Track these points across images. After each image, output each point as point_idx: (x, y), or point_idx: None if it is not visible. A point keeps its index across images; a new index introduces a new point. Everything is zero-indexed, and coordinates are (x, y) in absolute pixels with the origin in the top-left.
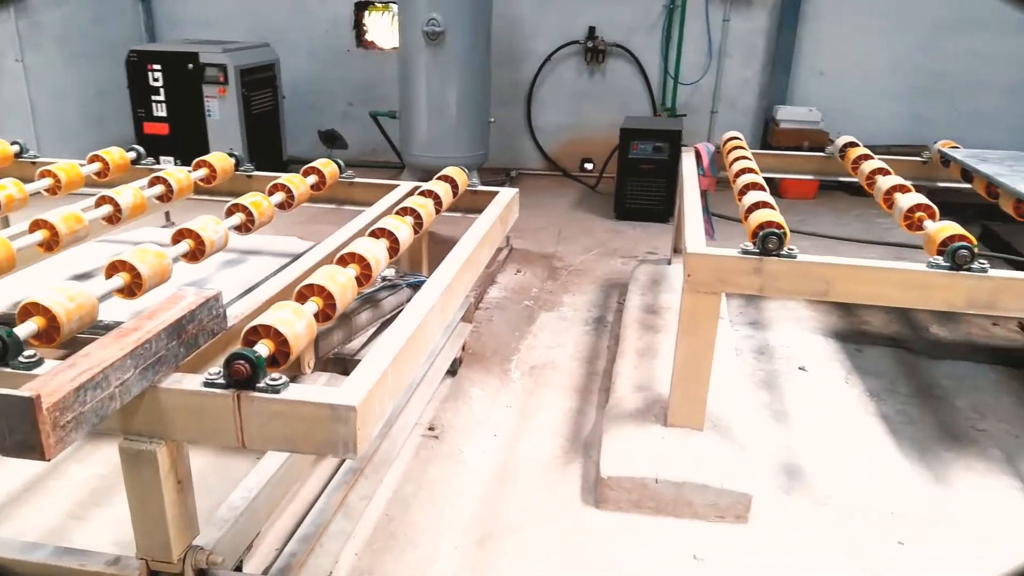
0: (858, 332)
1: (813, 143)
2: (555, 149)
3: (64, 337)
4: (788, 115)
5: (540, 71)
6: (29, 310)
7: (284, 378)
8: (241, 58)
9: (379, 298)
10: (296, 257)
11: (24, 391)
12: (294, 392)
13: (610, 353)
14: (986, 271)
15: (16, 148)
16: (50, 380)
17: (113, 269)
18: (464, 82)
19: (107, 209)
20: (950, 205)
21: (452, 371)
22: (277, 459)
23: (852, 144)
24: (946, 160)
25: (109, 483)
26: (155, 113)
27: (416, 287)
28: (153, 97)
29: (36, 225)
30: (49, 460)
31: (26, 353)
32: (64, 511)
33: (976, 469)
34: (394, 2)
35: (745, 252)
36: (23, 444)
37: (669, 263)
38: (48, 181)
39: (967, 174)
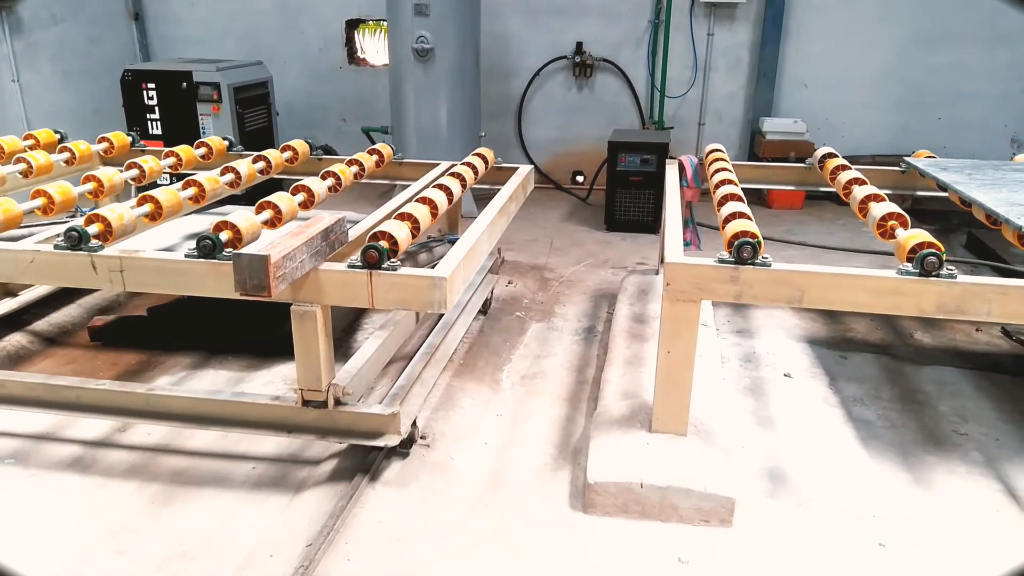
0: (843, 339)
1: (799, 154)
2: (546, 162)
3: (243, 245)
4: (774, 127)
5: (530, 86)
6: (221, 226)
7: (399, 262)
8: (234, 76)
9: (432, 246)
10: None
11: (261, 251)
12: (406, 270)
13: (599, 362)
14: (954, 277)
15: (130, 139)
16: (269, 250)
17: (261, 208)
18: (454, 97)
19: (230, 176)
20: (937, 213)
21: (484, 311)
22: (374, 343)
23: (830, 155)
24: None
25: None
26: (151, 131)
27: (453, 243)
28: (148, 115)
29: (187, 184)
30: (272, 297)
31: (226, 251)
32: None
33: (958, 472)
34: (384, 20)
35: (721, 261)
36: (258, 286)
37: (657, 273)
38: (172, 160)
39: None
